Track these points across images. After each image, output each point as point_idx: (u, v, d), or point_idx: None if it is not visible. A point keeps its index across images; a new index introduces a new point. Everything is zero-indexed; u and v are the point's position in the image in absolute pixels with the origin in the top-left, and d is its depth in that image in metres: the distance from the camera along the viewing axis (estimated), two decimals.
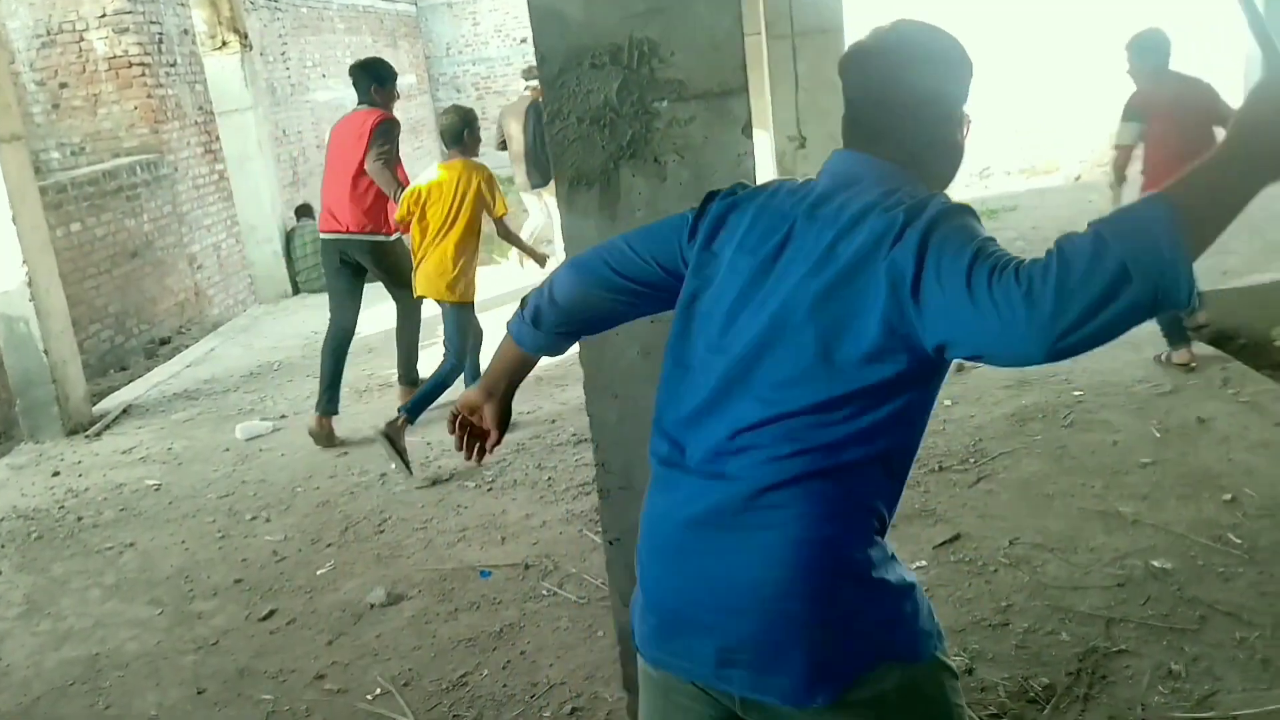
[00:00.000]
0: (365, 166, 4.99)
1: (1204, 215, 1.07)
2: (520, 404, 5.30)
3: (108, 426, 5.94)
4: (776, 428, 1.30)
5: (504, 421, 1.72)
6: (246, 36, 9.36)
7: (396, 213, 4.99)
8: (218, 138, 9.31)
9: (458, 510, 4.24)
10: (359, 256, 5.21)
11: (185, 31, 8.92)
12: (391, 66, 5.34)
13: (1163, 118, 4.56)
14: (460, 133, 4.89)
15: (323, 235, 5.33)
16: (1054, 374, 4.79)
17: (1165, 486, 3.63)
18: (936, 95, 1.42)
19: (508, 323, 1.67)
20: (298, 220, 9.72)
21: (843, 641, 1.31)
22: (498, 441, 1.74)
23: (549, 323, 1.62)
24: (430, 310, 5.42)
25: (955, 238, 1.20)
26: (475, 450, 1.74)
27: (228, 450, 5.34)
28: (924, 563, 3.31)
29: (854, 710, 1.32)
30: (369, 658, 3.22)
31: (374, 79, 5.14)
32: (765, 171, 5.96)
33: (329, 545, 4.08)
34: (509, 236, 5.33)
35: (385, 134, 5.04)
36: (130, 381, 7.00)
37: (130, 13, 8.07)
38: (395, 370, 5.84)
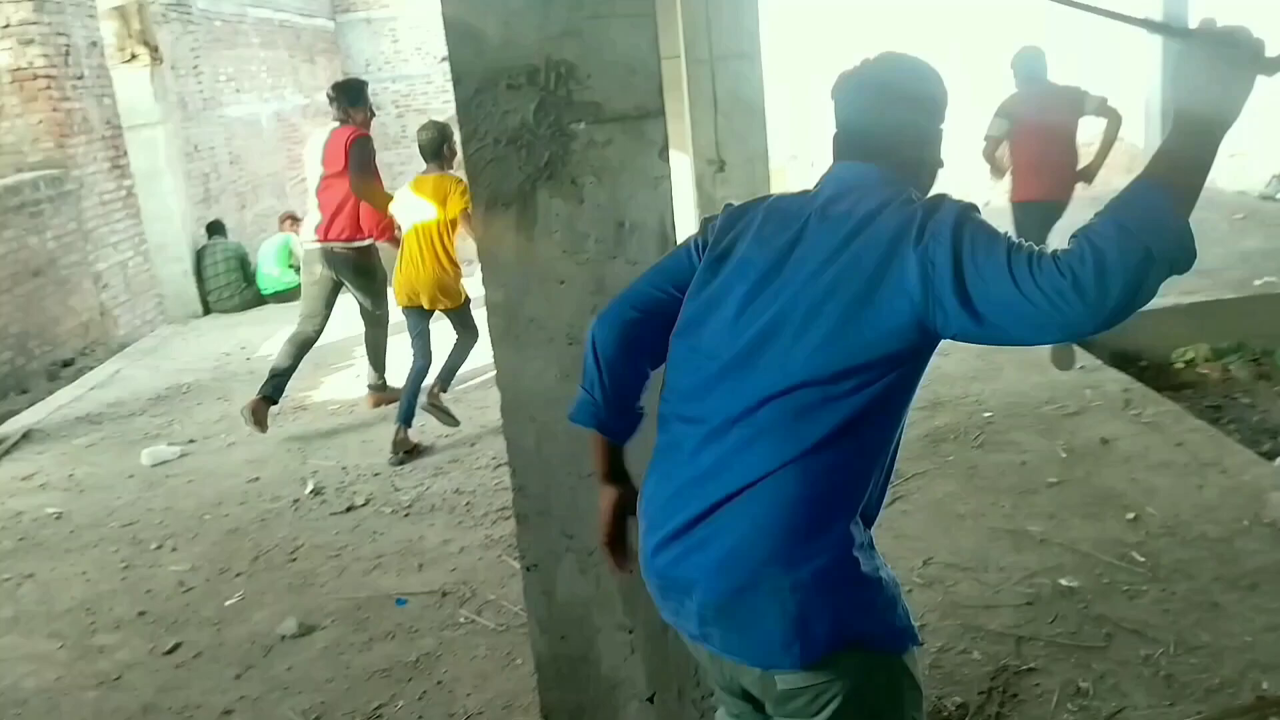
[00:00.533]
0: (350, 186, 5.20)
1: (1186, 187, 1.28)
2: (439, 426, 5.23)
3: (6, 452, 5.69)
4: (783, 401, 1.42)
5: (623, 506, 1.76)
6: (157, 50, 9.13)
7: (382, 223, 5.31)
8: (126, 153, 9.02)
9: (374, 537, 4.15)
10: (338, 266, 5.38)
11: (94, 44, 8.65)
12: (363, 85, 5.64)
13: (1026, 121, 5.14)
14: (440, 147, 5.01)
15: (305, 245, 5.54)
16: (966, 396, 4.90)
17: (1071, 506, 3.73)
18: (919, 118, 1.60)
19: (572, 415, 1.75)
20: (209, 238, 9.48)
21: (816, 613, 1.40)
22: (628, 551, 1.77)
23: (606, 389, 1.70)
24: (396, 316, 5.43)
25: (982, 234, 1.36)
26: (624, 561, 1.79)
27: (133, 477, 5.15)
28: None
29: (811, 690, 1.42)
30: (279, 691, 3.12)
31: (347, 99, 5.36)
32: (685, 195, 6.00)
33: (238, 575, 3.96)
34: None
35: (360, 152, 5.24)
36: (31, 405, 6.72)
37: (36, 24, 7.80)
38: (306, 393, 5.73)
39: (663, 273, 1.73)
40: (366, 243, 5.42)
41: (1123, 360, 5.69)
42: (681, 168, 6.06)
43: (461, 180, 4.93)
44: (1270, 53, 1.29)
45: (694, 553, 1.46)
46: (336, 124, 5.36)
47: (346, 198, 5.24)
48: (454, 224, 4.97)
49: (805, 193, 1.60)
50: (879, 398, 1.42)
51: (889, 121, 1.57)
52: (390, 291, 5.39)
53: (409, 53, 22.04)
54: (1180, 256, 1.27)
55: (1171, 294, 6.10)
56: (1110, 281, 1.24)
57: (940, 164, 1.64)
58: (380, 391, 5.81)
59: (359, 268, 5.43)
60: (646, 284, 1.73)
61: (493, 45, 1.99)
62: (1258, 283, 6.07)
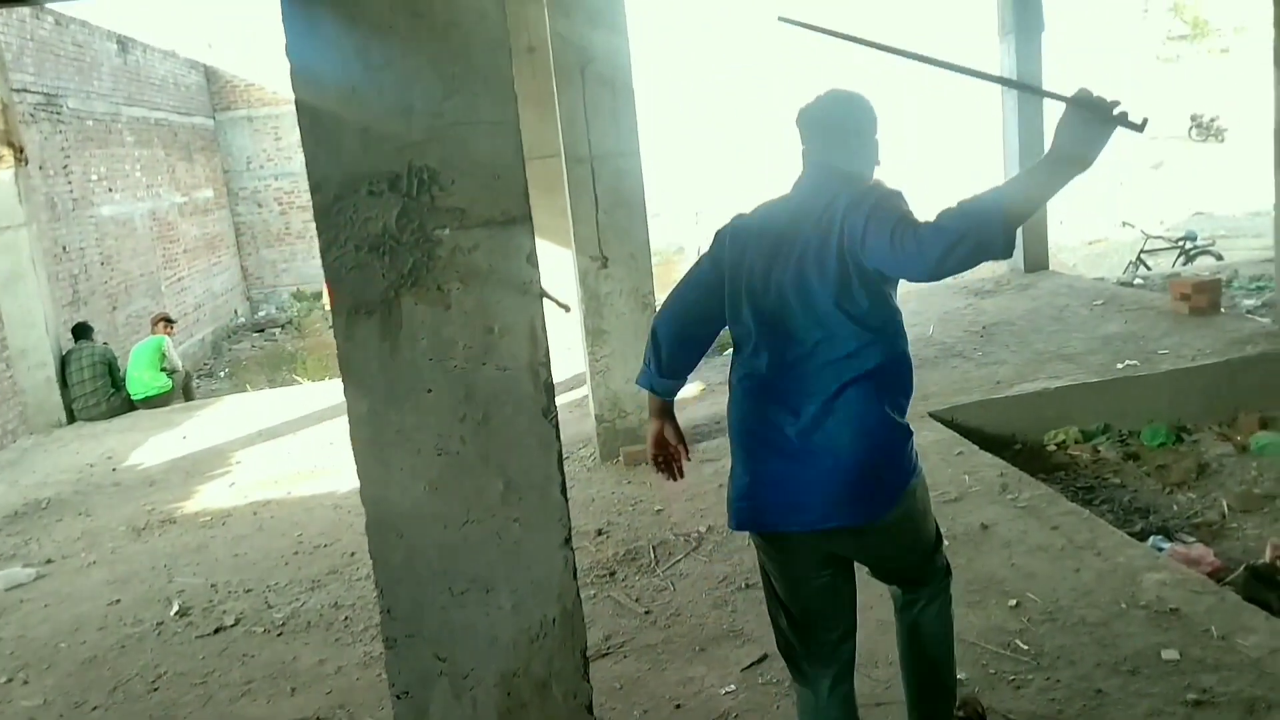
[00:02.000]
0: None
1: (1024, 205, 1.94)
2: (318, 536, 5.02)
3: None
4: (831, 349, 2.19)
5: (680, 434, 2.56)
6: (22, 150, 8.80)
7: None
8: None
9: (243, 660, 3.90)
10: None
11: None
12: None
13: None
14: None
15: None
16: None
17: (956, 594, 3.71)
18: (864, 136, 2.34)
19: (637, 380, 2.54)
20: (75, 341, 9.06)
21: (894, 475, 2.26)
22: (687, 454, 2.57)
23: (661, 365, 2.46)
24: None
25: (887, 206, 2.11)
26: (677, 470, 2.57)
27: None
28: (732, 686, 3.27)
29: (897, 514, 2.27)
30: None
31: None
32: (570, 290, 6.01)
33: (94, 708, 3.67)
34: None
35: None
36: None
37: None
38: (177, 505, 5.44)
39: (693, 285, 2.43)
40: None
41: (998, 444, 5.85)
42: (567, 263, 6.07)
43: None
44: (1124, 112, 1.89)
45: (813, 463, 2.22)
46: None
47: None
48: None
49: (786, 197, 2.35)
50: (885, 333, 2.25)
51: (841, 140, 2.31)
52: None
53: (292, 149, 21.83)
54: (995, 247, 1.93)
55: (1040, 379, 6.33)
56: (942, 251, 1.95)
57: (878, 163, 2.37)
58: None
59: None
60: (688, 292, 2.44)
61: (352, 151, 1.95)
62: (1120, 366, 6.34)
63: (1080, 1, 24.06)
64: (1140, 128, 1.95)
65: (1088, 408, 6.14)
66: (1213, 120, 31.86)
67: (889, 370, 2.22)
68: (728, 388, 2.39)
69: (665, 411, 2.53)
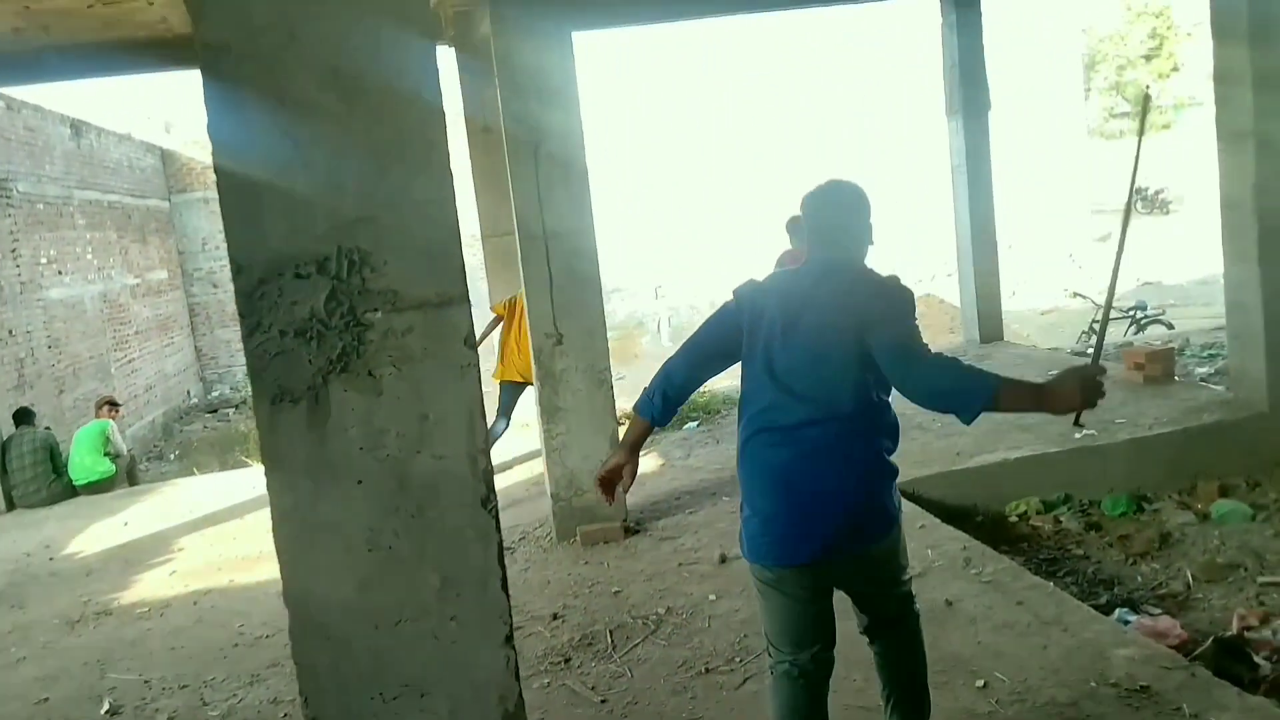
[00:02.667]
0: None
1: (1007, 405, 2.45)
2: (260, 626, 4.81)
3: None
4: (839, 409, 2.59)
5: (635, 474, 2.85)
6: None
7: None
8: None
9: None
10: None
11: None
12: None
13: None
14: None
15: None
16: None
17: None
18: (860, 219, 2.77)
19: (635, 406, 2.88)
20: (16, 427, 8.79)
21: (884, 512, 2.69)
22: (628, 487, 2.87)
23: (666, 399, 2.81)
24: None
25: (916, 339, 2.56)
26: (614, 494, 2.86)
27: None
28: None
29: (885, 546, 2.71)
30: None
31: None
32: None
33: None
34: None
35: None
36: None
37: None
38: (114, 595, 5.21)
39: (714, 328, 2.83)
40: None
41: (960, 516, 5.79)
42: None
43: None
44: (1093, 403, 2.48)
45: (814, 501, 2.62)
46: None
47: None
48: None
49: (799, 273, 2.78)
50: (870, 396, 2.64)
51: (843, 224, 2.76)
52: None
53: None
54: (967, 417, 2.46)
55: (1000, 450, 6.30)
56: (930, 393, 2.50)
57: (872, 242, 2.79)
58: None
59: None
60: (708, 334, 2.84)
61: (278, 232, 1.86)
62: (1078, 435, 6.33)
63: (1025, 81, 24.81)
64: (1079, 424, 2.86)
65: (1048, 478, 6.11)
66: (1157, 193, 32.79)
67: (881, 423, 2.69)
68: (738, 438, 2.76)
69: (635, 449, 2.85)
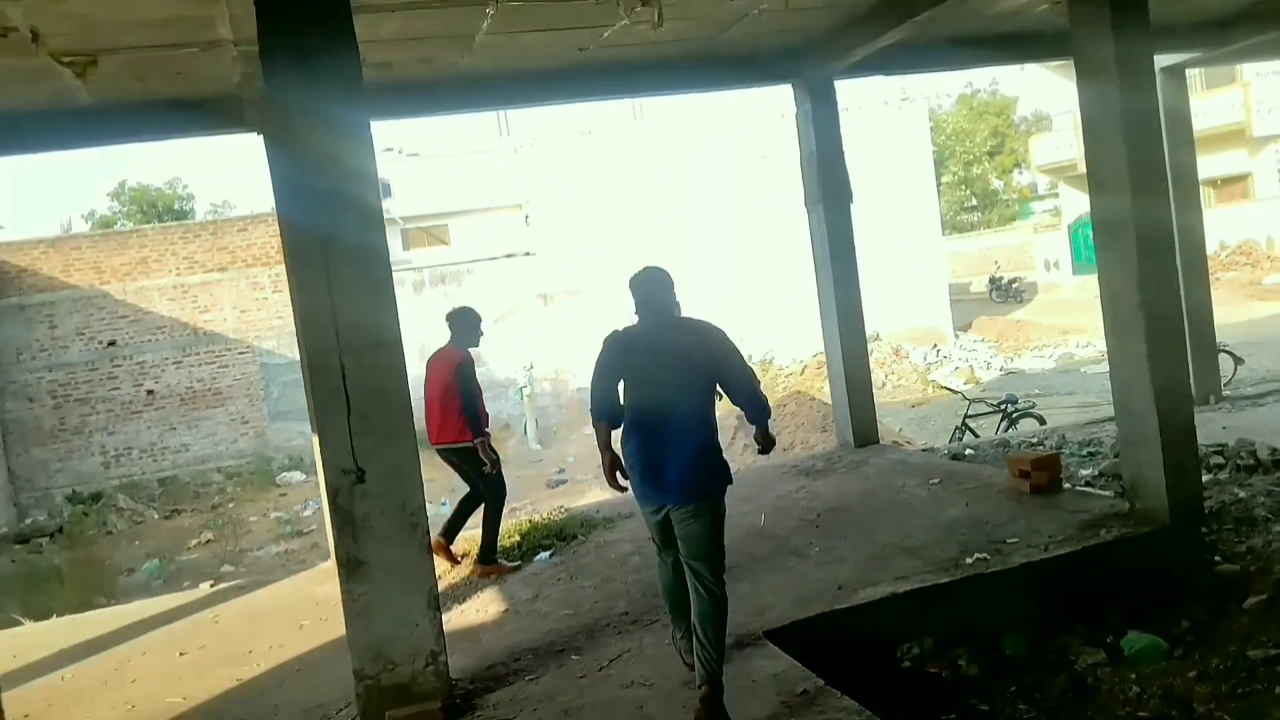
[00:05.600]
0: (462, 404, 6.69)
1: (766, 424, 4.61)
2: None
3: None
4: (689, 412, 4.33)
5: (617, 460, 4.57)
6: None
7: None
8: None
9: None
10: (453, 457, 6.94)
11: None
12: (473, 314, 7.04)
13: None
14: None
15: (438, 448, 6.92)
16: None
17: None
18: (671, 291, 4.52)
19: (592, 417, 4.55)
20: None
21: (715, 480, 4.40)
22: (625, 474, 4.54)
23: (609, 410, 4.51)
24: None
25: (748, 367, 4.51)
26: (624, 477, 4.54)
27: None
28: None
29: (711, 509, 4.36)
30: None
31: (450, 325, 7.02)
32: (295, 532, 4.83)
33: None
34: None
35: (463, 375, 6.74)
36: None
37: None
38: None
39: (606, 372, 4.50)
40: (474, 443, 6.77)
41: (847, 661, 4.94)
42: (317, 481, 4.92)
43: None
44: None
45: (671, 467, 4.30)
46: (449, 346, 6.94)
47: (456, 408, 6.73)
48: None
49: (647, 328, 4.48)
50: (710, 402, 4.41)
51: (664, 296, 4.48)
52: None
53: (69, 338, 19.93)
54: (764, 423, 4.57)
55: (885, 581, 5.52)
56: (759, 404, 4.48)
57: (679, 307, 4.55)
58: (447, 539, 7.17)
59: (465, 458, 6.91)
60: (605, 382, 4.51)
61: None
62: (969, 561, 5.62)
63: (881, 176, 25.27)
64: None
65: (940, 613, 5.35)
66: (1011, 283, 33.79)
67: (712, 418, 4.43)
68: (624, 427, 4.49)
69: (610, 445, 4.56)
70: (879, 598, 5.35)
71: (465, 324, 7.01)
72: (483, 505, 7.01)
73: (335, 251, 4.55)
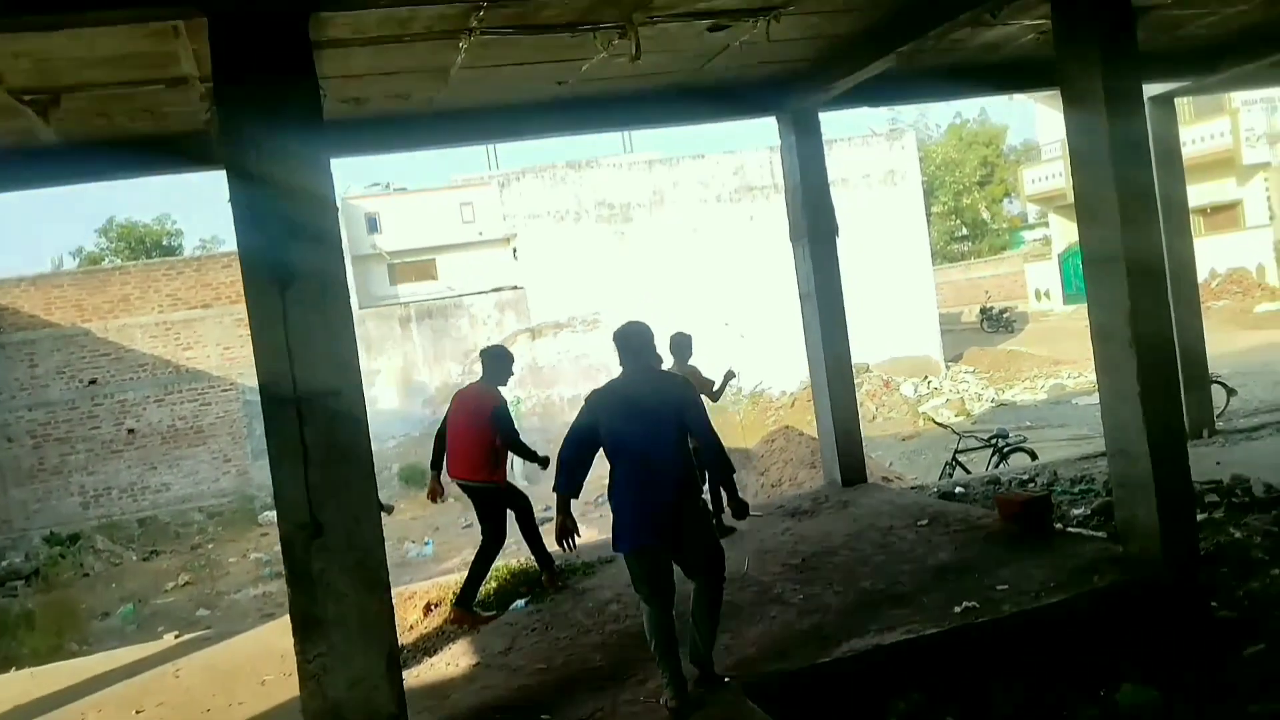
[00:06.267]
0: (498, 439, 6.78)
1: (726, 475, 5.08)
2: None
3: None
4: (668, 456, 4.78)
5: (575, 522, 4.96)
6: None
7: None
8: None
9: None
10: (473, 495, 6.92)
11: None
12: (506, 352, 7.16)
13: None
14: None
15: (456, 480, 6.93)
16: None
17: None
18: (650, 344, 5.02)
19: (554, 486, 4.92)
20: None
21: (700, 520, 5.00)
22: (578, 537, 5.01)
23: (570, 476, 4.89)
24: None
25: (705, 416, 5.00)
26: (571, 543, 4.94)
27: None
28: None
29: (701, 508, 5.15)
30: None
31: (483, 363, 7.11)
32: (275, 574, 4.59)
33: None
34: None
35: (503, 424, 6.79)
36: None
37: None
38: None
39: (583, 430, 4.86)
40: (499, 485, 6.95)
41: (840, 713, 4.72)
42: (272, 537, 4.70)
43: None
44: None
45: (657, 509, 4.75)
46: (481, 384, 7.01)
47: (484, 446, 6.77)
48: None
49: (628, 381, 4.93)
50: (685, 447, 4.87)
51: (645, 347, 4.98)
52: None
53: (49, 377, 19.67)
54: (725, 469, 5.03)
55: (872, 632, 5.30)
56: (716, 452, 4.95)
57: (660, 360, 5.26)
58: (464, 608, 6.78)
59: (486, 499, 6.95)
60: (581, 434, 4.87)
61: None
62: (958, 609, 5.40)
63: (872, 206, 25.20)
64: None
65: (929, 666, 5.11)
66: (1002, 313, 33.72)
67: (686, 454, 4.87)
68: (610, 475, 4.87)
69: (568, 506, 4.92)
70: (864, 649, 5.12)
71: (497, 362, 7.03)
72: (478, 548, 6.84)
73: (292, 294, 4.36)
